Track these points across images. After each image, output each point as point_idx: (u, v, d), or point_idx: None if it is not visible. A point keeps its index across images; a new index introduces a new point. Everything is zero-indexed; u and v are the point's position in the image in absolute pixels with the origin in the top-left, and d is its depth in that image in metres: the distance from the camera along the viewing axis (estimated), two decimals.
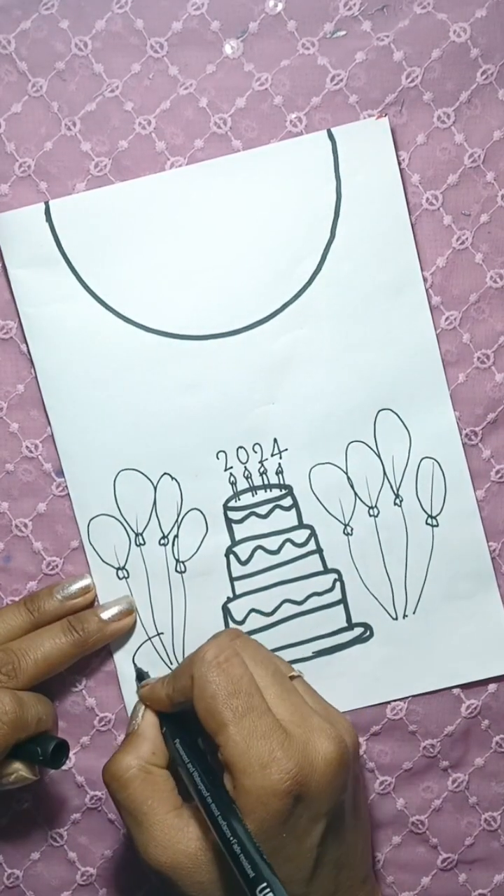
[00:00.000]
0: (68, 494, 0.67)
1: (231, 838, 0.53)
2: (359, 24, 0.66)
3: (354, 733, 0.60)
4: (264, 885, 0.51)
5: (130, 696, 0.67)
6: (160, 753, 0.61)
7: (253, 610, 0.67)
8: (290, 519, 0.67)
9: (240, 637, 0.61)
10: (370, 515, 0.67)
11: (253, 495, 0.67)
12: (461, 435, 0.67)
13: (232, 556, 0.67)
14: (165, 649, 0.67)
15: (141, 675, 0.67)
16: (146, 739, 0.61)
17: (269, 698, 0.58)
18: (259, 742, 0.55)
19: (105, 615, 0.66)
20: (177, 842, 0.56)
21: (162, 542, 0.67)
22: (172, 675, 0.61)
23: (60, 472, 0.67)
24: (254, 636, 0.67)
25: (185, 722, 0.61)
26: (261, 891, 0.51)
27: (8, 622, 0.65)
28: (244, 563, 0.67)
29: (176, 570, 0.67)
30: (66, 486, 0.67)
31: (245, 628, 0.67)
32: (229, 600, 0.67)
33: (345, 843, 0.58)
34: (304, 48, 0.66)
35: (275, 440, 0.67)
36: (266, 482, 0.67)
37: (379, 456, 0.67)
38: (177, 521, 0.67)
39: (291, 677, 0.61)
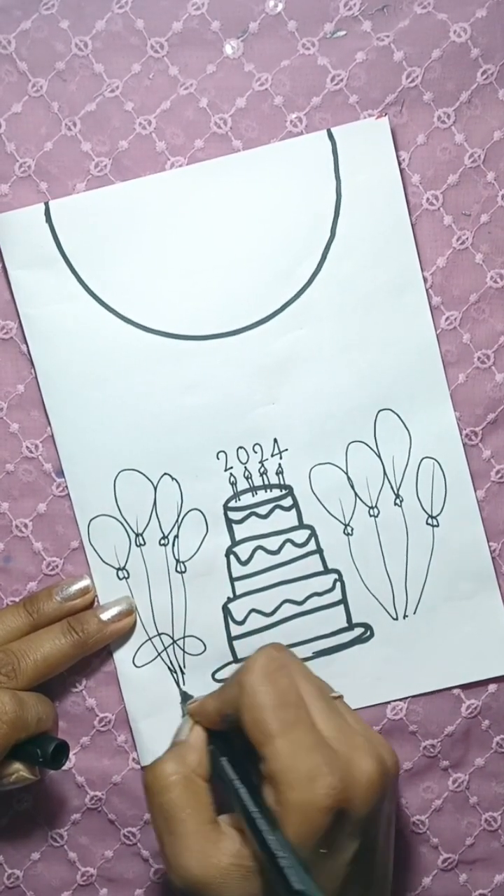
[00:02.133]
0: (68, 495, 0.67)
1: (277, 852, 0.52)
2: (359, 25, 0.66)
3: (395, 756, 0.59)
4: None
5: (130, 696, 0.67)
6: (205, 766, 0.60)
7: (253, 610, 0.67)
8: (290, 519, 0.67)
9: (285, 651, 0.60)
10: (370, 515, 0.67)
11: (253, 495, 0.67)
12: (461, 435, 0.67)
13: (232, 557, 0.67)
14: (166, 650, 0.67)
15: (186, 697, 0.67)
16: (193, 750, 0.61)
17: (314, 714, 0.57)
18: (305, 756, 0.55)
19: (105, 616, 0.66)
20: (210, 854, 0.55)
21: (162, 542, 0.67)
22: (220, 688, 0.61)
23: (60, 473, 0.67)
24: (254, 637, 0.67)
25: (230, 742, 0.61)
26: None
27: (7, 624, 0.65)
28: (244, 564, 0.67)
29: (176, 571, 0.67)
30: (66, 487, 0.67)
31: (245, 629, 0.67)
32: (229, 600, 0.67)
33: (374, 864, 0.57)
34: (305, 48, 0.66)
35: (275, 440, 0.67)
36: (266, 482, 0.67)
37: (379, 456, 0.67)
38: (177, 521, 0.67)
39: (333, 697, 0.61)
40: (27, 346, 0.67)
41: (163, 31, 0.66)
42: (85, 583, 0.67)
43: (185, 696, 0.67)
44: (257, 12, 0.66)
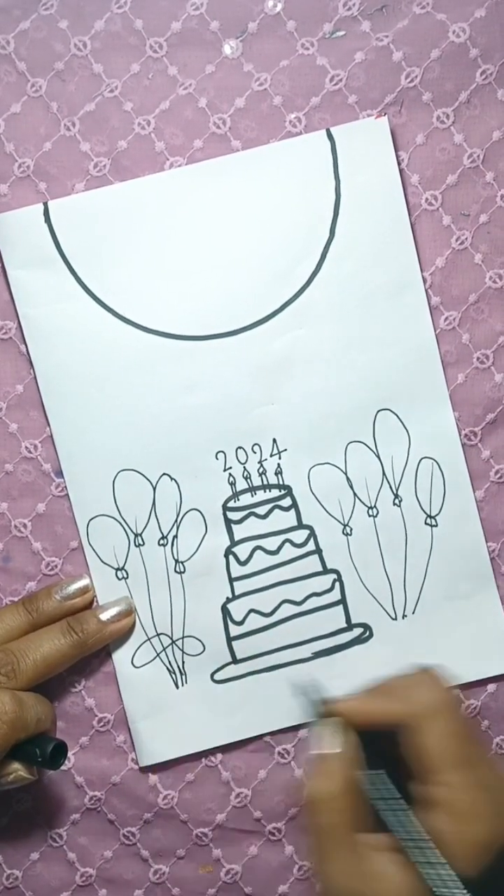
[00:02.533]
0: (67, 495, 0.67)
1: (442, 890, 0.52)
2: (358, 25, 0.66)
3: None
4: None
5: (129, 696, 0.67)
6: (362, 780, 0.57)
7: (252, 610, 0.67)
8: (289, 519, 0.67)
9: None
10: (369, 516, 0.67)
11: (252, 496, 0.67)
12: (460, 435, 0.67)
13: (231, 557, 0.67)
14: (165, 650, 0.67)
15: (315, 690, 0.61)
16: (350, 763, 0.57)
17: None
18: (491, 793, 0.53)
19: (104, 616, 0.66)
20: (368, 881, 0.54)
21: (161, 542, 0.67)
22: (385, 695, 0.58)
23: (60, 473, 0.67)
24: (252, 637, 0.67)
25: (380, 745, 0.58)
26: None
27: (7, 623, 0.65)
28: (243, 564, 0.67)
29: (175, 571, 0.67)
30: (65, 487, 0.67)
31: (244, 629, 0.67)
32: (228, 601, 0.67)
33: None
34: (304, 48, 0.66)
35: (274, 440, 0.67)
36: (265, 482, 0.67)
37: (378, 456, 0.67)
38: (176, 521, 0.67)
39: None
40: (26, 346, 0.67)
41: (162, 31, 0.66)
42: (84, 582, 0.67)
43: (314, 690, 0.60)
44: (256, 12, 0.66)
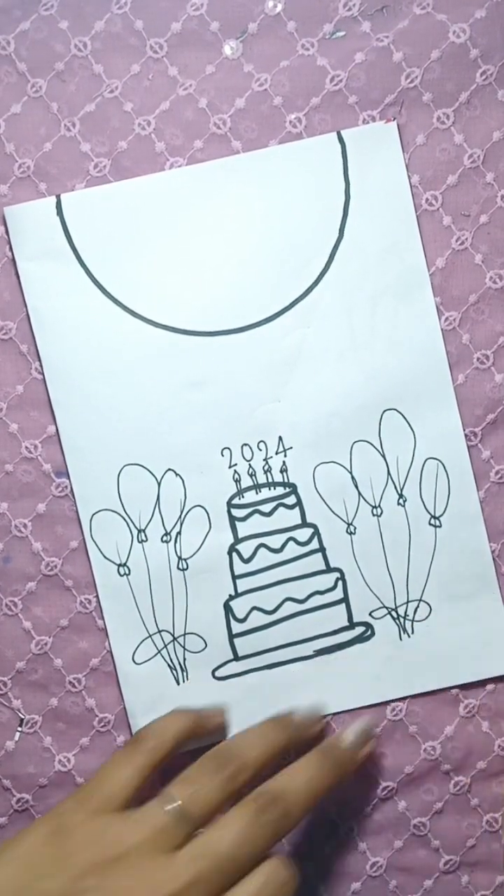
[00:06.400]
0: (68, 495, 0.67)
1: None
2: (358, 25, 0.66)
3: None
4: None
5: (130, 693, 0.67)
6: None
7: (254, 608, 0.67)
8: (293, 517, 0.67)
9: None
10: (373, 515, 0.67)
11: (257, 493, 0.67)
12: None
13: (234, 554, 0.67)
14: (166, 647, 0.67)
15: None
16: None
17: None
18: None
19: (346, 743, 0.64)
20: None
21: (164, 538, 0.67)
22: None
23: (60, 473, 0.67)
24: (254, 634, 0.67)
25: None
26: None
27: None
28: (247, 561, 0.67)
29: (178, 568, 0.67)
30: (66, 487, 0.67)
31: (246, 626, 0.67)
32: (231, 598, 0.67)
33: None
34: (304, 49, 0.66)
35: (280, 438, 0.67)
36: (270, 480, 0.67)
37: (383, 456, 0.67)
38: (180, 517, 0.67)
39: None
40: (29, 345, 0.67)
41: (162, 31, 0.66)
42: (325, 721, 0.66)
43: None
44: (256, 13, 0.66)
